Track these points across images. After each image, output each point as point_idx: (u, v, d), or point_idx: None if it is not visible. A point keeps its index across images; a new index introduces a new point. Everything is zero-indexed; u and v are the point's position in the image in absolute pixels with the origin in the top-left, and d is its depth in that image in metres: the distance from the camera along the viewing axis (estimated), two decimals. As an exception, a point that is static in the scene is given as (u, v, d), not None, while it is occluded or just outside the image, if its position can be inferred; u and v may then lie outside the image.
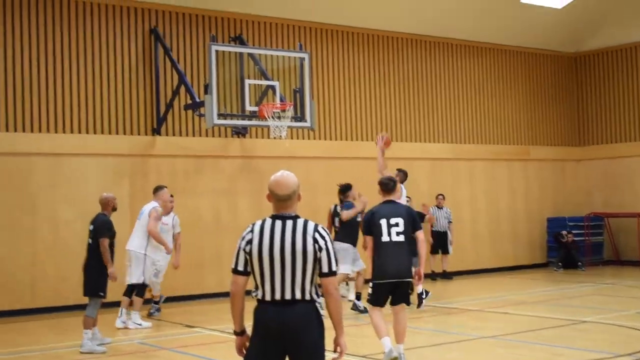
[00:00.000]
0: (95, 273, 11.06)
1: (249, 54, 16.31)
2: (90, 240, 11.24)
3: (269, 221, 5.09)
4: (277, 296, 4.98)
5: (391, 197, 9.22)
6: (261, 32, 18.21)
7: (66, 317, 14.53)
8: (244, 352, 5.16)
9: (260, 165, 17.53)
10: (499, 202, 21.85)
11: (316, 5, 18.36)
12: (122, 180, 15.99)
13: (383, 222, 8.94)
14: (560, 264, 21.21)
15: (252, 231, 5.09)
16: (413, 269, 9.15)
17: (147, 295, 13.60)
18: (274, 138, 15.37)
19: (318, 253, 5.00)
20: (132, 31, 16.62)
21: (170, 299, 15.37)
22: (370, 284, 9.16)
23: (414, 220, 9.10)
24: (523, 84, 22.92)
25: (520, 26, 21.61)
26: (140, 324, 12.89)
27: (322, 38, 19.10)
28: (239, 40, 17.54)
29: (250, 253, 5.04)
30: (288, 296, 4.98)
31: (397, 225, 8.92)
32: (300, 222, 5.07)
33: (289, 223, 5.05)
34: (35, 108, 15.46)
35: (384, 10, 19.20)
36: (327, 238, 5.06)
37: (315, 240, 5.00)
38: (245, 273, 5.09)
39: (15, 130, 15.22)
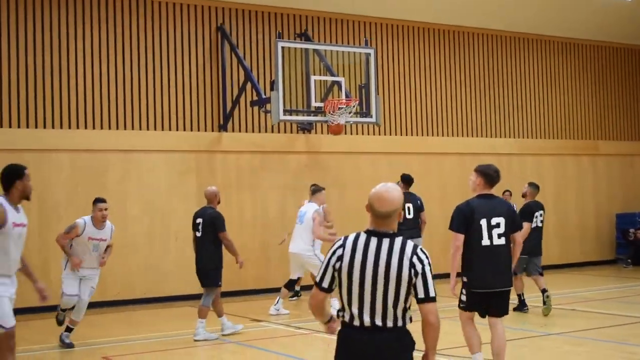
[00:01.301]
0: (212, 264, 11.23)
1: (315, 50, 16.37)
2: (198, 234, 11.36)
3: (363, 237, 4.63)
4: (367, 321, 4.56)
5: (491, 191, 8.04)
6: (327, 28, 18.27)
7: (134, 310, 14.80)
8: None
9: (326, 160, 17.63)
10: (567, 198, 21.53)
11: (381, 0, 18.32)
12: (189, 176, 16.18)
13: (483, 222, 7.79)
14: (629, 260, 20.85)
15: (343, 246, 4.65)
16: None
17: (67, 322, 11.16)
18: (332, 123, 15.26)
19: (414, 279, 4.54)
20: (199, 29, 16.83)
21: (236, 293, 15.54)
22: (463, 290, 8.06)
23: (514, 219, 8.05)
24: (591, 78, 22.55)
25: (588, 20, 21.25)
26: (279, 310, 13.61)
27: (387, 33, 19.07)
28: (304, 36, 17.63)
29: (339, 270, 4.62)
30: (378, 322, 4.55)
31: (498, 226, 7.82)
32: (398, 241, 4.59)
33: (386, 242, 4.58)
34: (105, 106, 15.76)
35: (450, 5, 19.07)
36: (425, 262, 4.58)
37: (412, 265, 4.54)
38: (328, 290, 4.70)
39: (86, 128, 15.53)
